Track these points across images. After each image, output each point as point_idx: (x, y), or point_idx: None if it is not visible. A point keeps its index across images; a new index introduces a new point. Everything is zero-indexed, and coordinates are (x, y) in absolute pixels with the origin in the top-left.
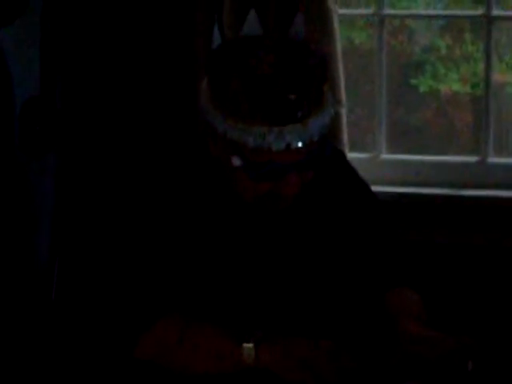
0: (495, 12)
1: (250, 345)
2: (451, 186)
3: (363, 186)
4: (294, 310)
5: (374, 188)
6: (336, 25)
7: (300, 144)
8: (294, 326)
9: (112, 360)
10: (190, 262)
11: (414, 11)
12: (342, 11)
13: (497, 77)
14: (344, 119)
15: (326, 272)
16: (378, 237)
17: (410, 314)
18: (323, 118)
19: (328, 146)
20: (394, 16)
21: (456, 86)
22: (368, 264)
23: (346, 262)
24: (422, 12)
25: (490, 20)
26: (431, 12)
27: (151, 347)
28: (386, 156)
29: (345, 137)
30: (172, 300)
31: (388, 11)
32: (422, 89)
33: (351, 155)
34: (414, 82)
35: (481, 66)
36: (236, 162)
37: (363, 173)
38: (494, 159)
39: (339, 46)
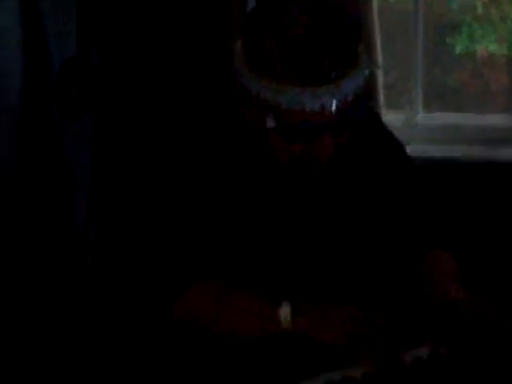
0: None
1: (287, 308)
2: (487, 145)
3: (399, 148)
4: (331, 272)
5: (411, 148)
6: None
7: (334, 105)
8: (331, 289)
9: (151, 321)
10: (227, 225)
11: None
12: None
13: None
14: (380, 80)
15: (363, 234)
16: (414, 199)
17: (447, 276)
18: (357, 79)
19: (362, 107)
20: None
21: (493, 47)
22: (404, 226)
23: (382, 225)
24: None
25: None
26: None
27: (189, 308)
28: (422, 116)
29: (381, 97)
30: (209, 262)
31: None
32: (458, 49)
33: (387, 116)
34: (450, 42)
35: None
36: (270, 123)
37: (399, 134)
38: None
39: (375, 5)
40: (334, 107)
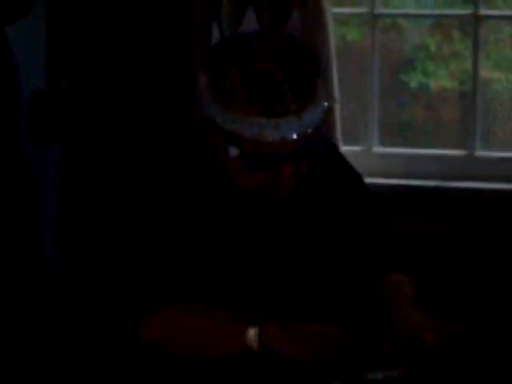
0: (482, 11)
1: (255, 328)
2: (440, 178)
3: (356, 177)
4: (293, 294)
5: (367, 180)
6: (330, 23)
7: (295, 136)
8: (293, 310)
9: (115, 343)
10: (192, 250)
11: (404, 10)
12: (335, 10)
13: (483, 73)
14: (337, 114)
15: (323, 259)
16: (372, 225)
17: (405, 298)
18: (317, 112)
19: (321, 139)
20: (386, 15)
21: (445, 82)
22: (363, 251)
23: (342, 250)
24: (413, 11)
25: (477, 19)
26: (421, 11)
27: (154, 331)
28: (377, 149)
29: (338, 131)
30: (175, 287)
31: (380, 10)
32: (412, 84)
33: (344, 148)
34: (404, 78)
35: (468, 63)
36: (233, 152)
37: (356, 165)
38: (481, 153)
39: (333, 44)
40: (294, 137)
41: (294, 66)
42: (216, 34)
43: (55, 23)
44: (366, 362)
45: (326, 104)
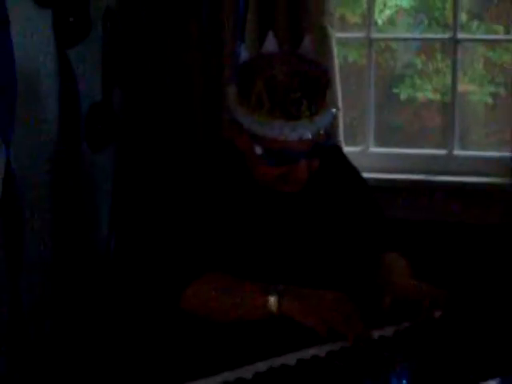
0: (460, 35)
1: (275, 296)
2: (425, 173)
3: (356, 172)
4: (306, 267)
5: (365, 175)
6: (334, 46)
7: (309, 136)
8: (305, 280)
9: (160, 310)
10: (222, 233)
11: (396, 35)
12: (338, 35)
13: (461, 87)
14: (340, 120)
15: (331, 239)
16: (369, 212)
17: (400, 267)
18: (327, 116)
19: (330, 140)
20: (380, 39)
21: (429, 94)
22: (363, 233)
23: (346, 232)
24: (403, 35)
25: (455, 42)
26: (410, 36)
27: (195, 298)
28: (373, 149)
29: (341, 134)
30: (210, 262)
31: (376, 35)
32: (402, 96)
33: (346, 149)
34: (396, 90)
35: (448, 79)
36: (258, 150)
37: (356, 163)
38: (458, 152)
39: (336, 63)
40: (309, 137)
41: (307, 78)
42: (244, 54)
43: (109, 46)
44: (369, 322)
45: (334, 110)
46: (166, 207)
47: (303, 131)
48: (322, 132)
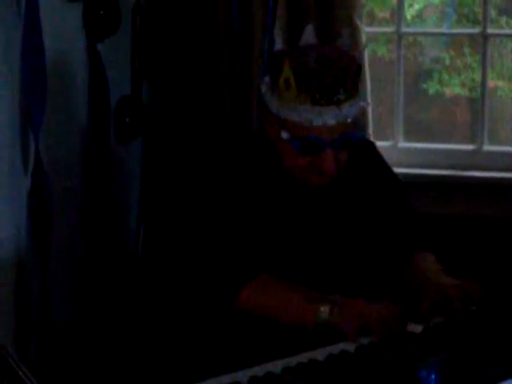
0: (489, 30)
1: (327, 307)
2: (454, 168)
3: (388, 168)
4: (336, 267)
5: (394, 170)
6: (363, 40)
7: (334, 122)
8: (338, 280)
9: (215, 310)
10: (263, 231)
11: (424, 29)
12: (368, 29)
13: (490, 82)
14: (370, 115)
15: (361, 234)
16: (401, 208)
17: (433, 269)
18: (355, 106)
19: (358, 133)
20: (409, 34)
21: (457, 90)
22: (396, 230)
23: (378, 227)
24: (431, 30)
25: (485, 37)
26: (438, 30)
27: (251, 299)
28: (402, 144)
29: (370, 129)
30: (259, 263)
31: (404, 30)
32: (430, 91)
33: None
34: (424, 86)
35: (477, 74)
36: (284, 135)
37: (385, 158)
38: (487, 147)
39: (366, 58)
40: (333, 123)
41: (337, 65)
42: (278, 41)
43: (138, 39)
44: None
45: (363, 102)
46: (205, 205)
47: (328, 117)
48: (349, 121)
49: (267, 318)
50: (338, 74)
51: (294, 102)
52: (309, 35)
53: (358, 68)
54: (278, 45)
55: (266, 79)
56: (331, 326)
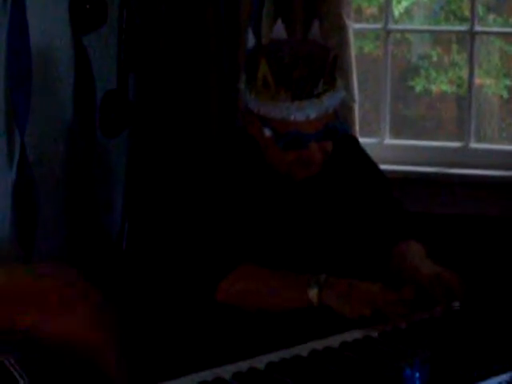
0: (477, 28)
1: (315, 288)
2: (440, 165)
3: (372, 163)
4: (324, 253)
5: (380, 166)
6: (350, 37)
7: (315, 115)
8: (323, 269)
9: (194, 303)
10: (247, 223)
11: (412, 26)
12: (355, 26)
13: (477, 80)
14: (356, 112)
15: (346, 226)
16: (386, 200)
17: (418, 254)
18: (336, 96)
19: (341, 124)
20: (397, 30)
21: (444, 87)
22: (381, 221)
23: (362, 219)
24: (419, 27)
25: (472, 34)
26: (426, 27)
27: (232, 290)
28: (388, 141)
29: (357, 126)
30: (241, 253)
31: (391, 26)
32: (417, 88)
33: (361, 140)
34: (411, 83)
35: (464, 71)
36: (267, 132)
37: (371, 154)
38: (474, 145)
39: (353, 54)
40: (315, 117)
41: (314, 58)
42: (251, 40)
43: (124, 35)
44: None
45: (343, 92)
46: (188, 199)
47: (310, 111)
48: (330, 112)
49: (250, 310)
50: (316, 66)
51: (274, 99)
52: (278, 29)
53: (334, 58)
54: (252, 40)
55: (244, 77)
56: (324, 307)
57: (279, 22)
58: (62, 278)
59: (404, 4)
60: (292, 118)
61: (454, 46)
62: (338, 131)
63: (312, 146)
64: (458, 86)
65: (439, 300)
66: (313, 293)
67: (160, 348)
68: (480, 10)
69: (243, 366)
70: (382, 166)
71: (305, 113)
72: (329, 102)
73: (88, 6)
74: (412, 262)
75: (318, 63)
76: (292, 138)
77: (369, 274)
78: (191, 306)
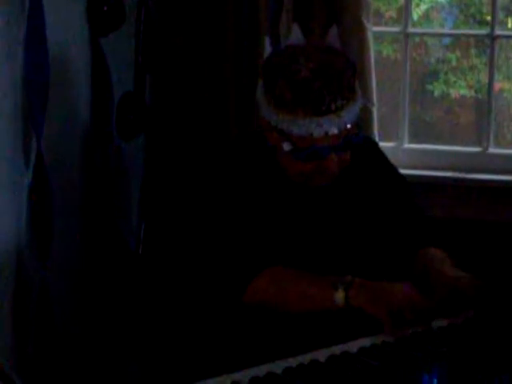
0: (497, 32)
1: (341, 289)
2: (458, 170)
3: (392, 166)
4: (339, 264)
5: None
6: (369, 40)
7: (336, 131)
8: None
9: (223, 306)
10: (268, 228)
11: (431, 30)
12: (374, 29)
13: (496, 84)
14: (375, 116)
15: (365, 233)
16: (408, 205)
17: (442, 261)
18: (354, 110)
19: (360, 133)
20: (416, 34)
21: (463, 91)
22: (401, 228)
23: (382, 225)
24: (438, 31)
25: (492, 38)
26: (445, 31)
27: (259, 293)
28: (407, 145)
29: (375, 130)
30: (267, 257)
31: (410, 30)
32: (436, 92)
33: (380, 144)
34: (429, 87)
35: (483, 75)
36: (286, 147)
37: (389, 158)
38: (493, 150)
39: (372, 57)
40: (335, 132)
41: (331, 72)
42: (268, 48)
43: (141, 38)
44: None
45: (362, 103)
46: (207, 203)
47: (329, 127)
48: (349, 126)
49: (278, 311)
50: (334, 79)
51: (293, 115)
52: (295, 34)
53: (353, 69)
54: (269, 49)
55: (260, 86)
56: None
57: (296, 26)
58: None
59: (423, 7)
60: (311, 134)
61: (473, 50)
62: (356, 142)
63: (330, 159)
64: (477, 90)
65: (473, 298)
66: (339, 294)
67: (175, 352)
68: (499, 13)
69: (261, 370)
70: (401, 171)
71: (324, 129)
72: (348, 116)
73: (105, 8)
74: (437, 267)
75: (336, 76)
76: (310, 153)
77: (391, 280)
78: (215, 309)
